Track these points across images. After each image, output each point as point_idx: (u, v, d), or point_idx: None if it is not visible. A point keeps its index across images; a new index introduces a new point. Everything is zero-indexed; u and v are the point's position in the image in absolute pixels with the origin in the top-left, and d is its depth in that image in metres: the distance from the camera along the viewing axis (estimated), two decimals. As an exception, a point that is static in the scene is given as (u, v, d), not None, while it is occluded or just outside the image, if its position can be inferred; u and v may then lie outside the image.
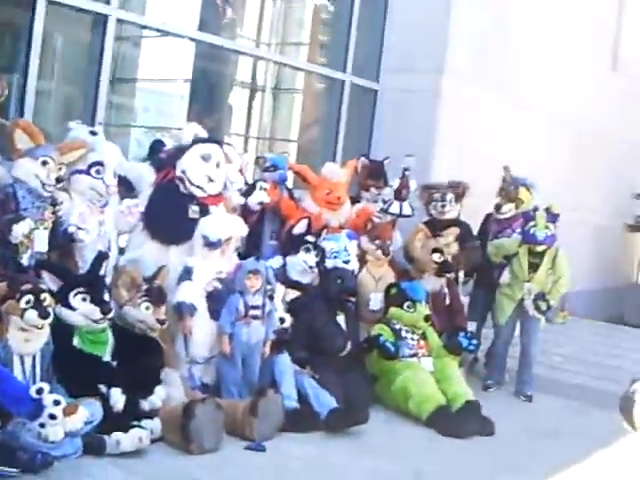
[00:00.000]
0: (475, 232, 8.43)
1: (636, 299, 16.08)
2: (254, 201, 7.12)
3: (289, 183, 7.98)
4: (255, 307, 6.05)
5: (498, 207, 8.28)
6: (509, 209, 8.25)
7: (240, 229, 6.47)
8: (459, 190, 8.20)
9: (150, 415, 5.24)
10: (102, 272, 5.41)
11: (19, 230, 5.17)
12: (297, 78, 10.87)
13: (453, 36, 9.69)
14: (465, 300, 8.18)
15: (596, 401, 7.70)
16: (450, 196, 8.14)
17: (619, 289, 15.76)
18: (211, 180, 6.39)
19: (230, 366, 6.04)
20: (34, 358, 4.93)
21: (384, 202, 8.01)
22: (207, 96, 9.97)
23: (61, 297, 5.13)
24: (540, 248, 7.64)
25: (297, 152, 10.60)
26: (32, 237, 5.36)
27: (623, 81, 14.24)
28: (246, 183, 7.19)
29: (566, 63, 12.06)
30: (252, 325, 6.03)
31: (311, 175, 7.74)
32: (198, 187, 6.36)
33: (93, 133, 6.15)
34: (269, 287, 6.16)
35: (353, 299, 7.08)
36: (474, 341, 7.18)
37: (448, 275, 7.70)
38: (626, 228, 16.15)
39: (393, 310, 7.03)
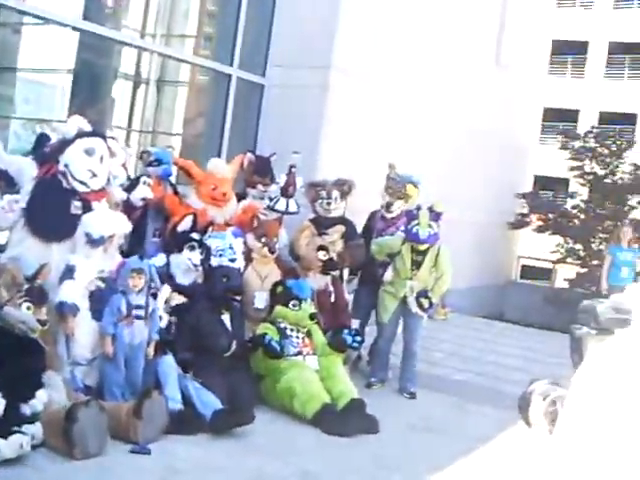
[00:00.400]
0: (360, 230, 8.46)
1: (515, 296, 16.54)
2: (137, 196, 7.00)
3: (173, 178, 7.86)
4: (138, 307, 5.94)
5: (388, 205, 8.34)
6: (398, 206, 8.31)
7: (123, 226, 6.34)
8: (345, 188, 8.23)
9: (31, 420, 5.08)
10: (-18, 272, 5.22)
11: None
12: (183, 71, 10.73)
13: (341, 32, 9.72)
14: (350, 298, 8.22)
15: (476, 397, 7.87)
16: (336, 194, 8.17)
17: (500, 286, 16.16)
18: (94, 175, 6.24)
19: (113, 367, 5.92)
20: None
21: (270, 199, 7.98)
22: (90, 88, 9.73)
23: (-63, 299, 4.93)
24: (423, 246, 7.73)
25: (182, 146, 10.46)
26: None
27: (505, 79, 14.57)
28: (129, 178, 7.05)
29: (451, 60, 12.25)
30: (135, 325, 5.92)
31: (196, 170, 7.62)
32: (81, 182, 6.21)
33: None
34: (153, 286, 6.05)
35: (239, 298, 7.02)
36: (358, 338, 7.22)
37: (333, 273, 7.72)
38: (507, 226, 16.57)
39: (278, 308, 7.01)
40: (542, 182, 23.36)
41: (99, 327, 5.95)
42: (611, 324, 1.73)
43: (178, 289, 6.55)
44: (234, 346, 6.53)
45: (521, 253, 19.18)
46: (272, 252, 7.48)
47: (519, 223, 16.99)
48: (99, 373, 6.02)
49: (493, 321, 13.47)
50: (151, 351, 6.02)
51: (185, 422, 5.82)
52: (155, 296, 6.13)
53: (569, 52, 31.21)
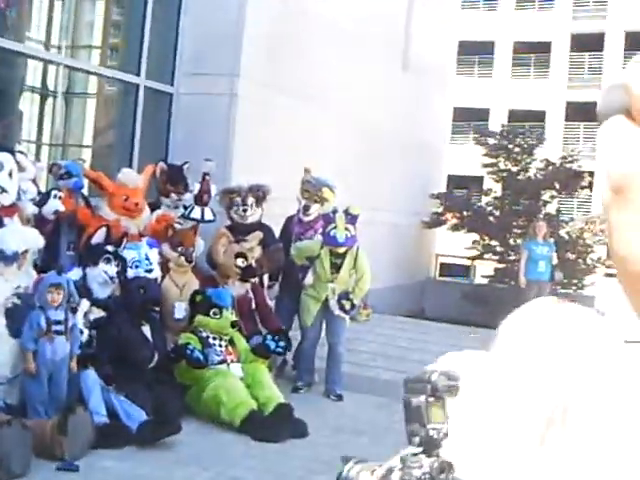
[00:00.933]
0: (277, 235, 8.45)
1: (435, 294, 16.72)
2: (49, 210, 6.89)
3: (85, 191, 7.73)
4: (57, 322, 5.83)
5: (306, 208, 8.35)
6: (315, 209, 8.32)
7: (36, 241, 6.23)
8: (259, 193, 8.21)
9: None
10: None
11: None
12: (90, 82, 10.57)
13: (247, 39, 9.69)
14: (272, 304, 8.20)
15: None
16: (251, 200, 8.14)
17: (419, 284, 16.30)
18: (4, 190, 6.13)
19: (36, 384, 5.81)
20: None
21: (185, 208, 7.91)
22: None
23: None
24: (341, 249, 7.75)
25: (92, 158, 10.30)
26: None
27: (414, 81, 14.71)
28: (39, 192, 6.92)
29: (359, 64, 12.32)
30: (56, 341, 5.82)
31: (107, 182, 7.51)
32: (-9, 198, 6.06)
33: None
34: (71, 300, 5.94)
35: (157, 308, 6.93)
36: (281, 343, 7.20)
37: (252, 280, 7.69)
38: (422, 225, 16.74)
39: (199, 318, 6.95)
40: (456, 181, 23.65)
41: (19, 344, 5.83)
42: (444, 391, 1.75)
43: (96, 302, 6.44)
44: (156, 357, 6.46)
45: (439, 251, 19.38)
46: (189, 261, 7.42)
47: (434, 222, 17.18)
48: (21, 391, 5.90)
49: (414, 319, 13.56)
50: (74, 365, 5.91)
51: (111, 435, 5.75)
52: (75, 310, 6.04)
53: (476, 52, 31.71)
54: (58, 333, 5.82)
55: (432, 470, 1.73)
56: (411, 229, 15.90)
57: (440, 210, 17.49)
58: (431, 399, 1.88)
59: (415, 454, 1.82)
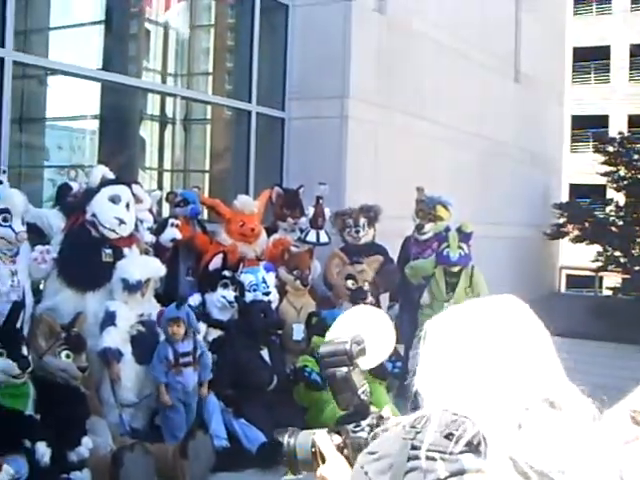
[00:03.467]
0: (396, 255, 8.46)
1: (561, 308, 16.33)
2: (166, 238, 7.05)
3: (202, 217, 7.93)
4: (185, 354, 5.97)
5: (420, 227, 8.34)
6: (430, 228, 8.31)
7: (158, 269, 6.38)
8: (371, 214, 8.25)
9: (79, 466, 5.13)
10: (19, 324, 5.28)
11: None
12: (205, 110, 10.83)
13: (355, 60, 9.75)
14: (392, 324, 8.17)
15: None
16: (363, 221, 8.19)
17: (544, 298, 16.00)
18: (122, 222, 6.28)
19: (173, 413, 5.95)
20: (-50, 419, 4.79)
21: (301, 231, 8.02)
22: (117, 131, 9.87)
23: (-23, 353, 5.00)
24: (455, 268, 7.71)
25: (210, 184, 10.54)
26: (-57, 292, 5.23)
27: (526, 92, 14.55)
28: (155, 221, 7.11)
29: (468, 78, 12.26)
30: (184, 373, 5.96)
31: (223, 208, 7.69)
32: (109, 229, 6.26)
33: (-3, 183, 6.04)
34: (192, 330, 6.08)
35: (280, 332, 7.03)
36: (398, 364, 7.17)
37: (359, 302, 7.64)
38: (544, 237, 16.44)
39: (316, 339, 6.99)
40: (578, 190, 23.19)
41: (151, 375, 6.01)
42: (357, 357, 1.81)
43: (215, 324, 6.57)
44: (275, 380, 6.53)
45: (565, 263, 19.01)
46: (305, 284, 7.50)
47: (556, 234, 16.85)
48: (151, 416, 6.08)
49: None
50: (204, 391, 6.04)
51: (232, 459, 5.84)
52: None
53: (591, 58, 31.07)
54: (186, 365, 5.96)
55: (373, 427, 1.82)
56: (533, 242, 15.66)
57: (561, 221, 17.16)
58: (351, 367, 1.96)
59: (357, 425, 1.91)
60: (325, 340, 2.08)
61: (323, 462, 1.99)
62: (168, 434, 5.96)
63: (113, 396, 5.92)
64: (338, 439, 2.00)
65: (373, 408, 2.02)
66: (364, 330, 2.07)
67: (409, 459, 1.54)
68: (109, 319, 5.96)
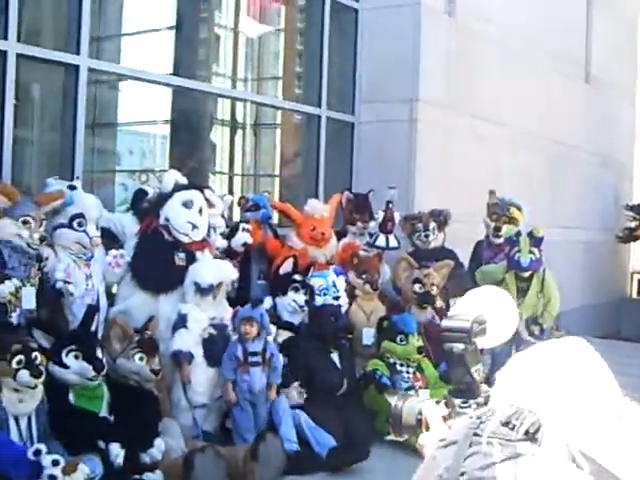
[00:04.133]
0: (466, 259, 8.41)
1: (631, 313, 16.03)
2: (237, 243, 7.11)
3: (273, 221, 7.98)
4: (254, 354, 6.01)
5: (497, 229, 8.27)
6: (506, 230, 8.24)
7: (230, 273, 6.44)
8: (441, 218, 8.22)
9: (151, 468, 5.20)
10: (93, 327, 5.37)
11: (5, 289, 5.14)
12: (274, 115, 10.89)
13: (425, 63, 9.72)
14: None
15: None
16: (433, 225, 8.17)
17: (614, 304, 15.76)
18: (195, 226, 6.35)
19: (241, 414, 6.00)
20: (29, 418, 4.88)
21: (370, 235, 8.02)
22: (188, 136, 9.98)
23: (53, 355, 5.08)
24: (526, 273, 7.64)
25: (280, 188, 10.60)
26: (19, 295, 5.32)
27: (597, 94, 14.35)
28: (227, 225, 7.18)
29: (537, 80, 12.13)
30: (252, 372, 5.99)
31: (294, 212, 7.73)
32: (182, 234, 6.33)
33: (72, 187, 6.15)
34: (266, 332, 6.12)
35: (350, 336, 7.05)
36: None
37: (426, 306, 7.62)
38: (616, 241, 16.18)
39: (386, 344, 6.99)
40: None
41: (218, 373, 6.07)
42: (477, 336, 1.84)
43: (285, 326, 6.61)
44: (345, 384, 6.54)
45: (637, 268, 18.65)
46: (374, 288, 7.50)
47: (628, 237, 16.56)
48: (222, 419, 6.14)
49: (610, 340, 13.07)
50: (272, 394, 6.06)
51: (301, 462, 5.84)
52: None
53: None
54: (254, 364, 6.00)
55: (480, 407, 1.86)
56: (604, 246, 15.41)
57: (633, 225, 16.85)
58: (469, 345, 1.99)
59: (465, 401, 1.94)
60: (448, 315, 2.13)
61: (427, 430, 2.07)
62: (236, 435, 6.01)
63: (185, 398, 5.99)
64: (445, 411, 2.04)
65: (484, 387, 2.07)
66: (488, 310, 2.10)
67: (471, 445, 1.63)
68: (181, 322, 6.03)
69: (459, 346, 1.96)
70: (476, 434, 1.64)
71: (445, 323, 2.05)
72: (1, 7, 6.73)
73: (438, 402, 2.13)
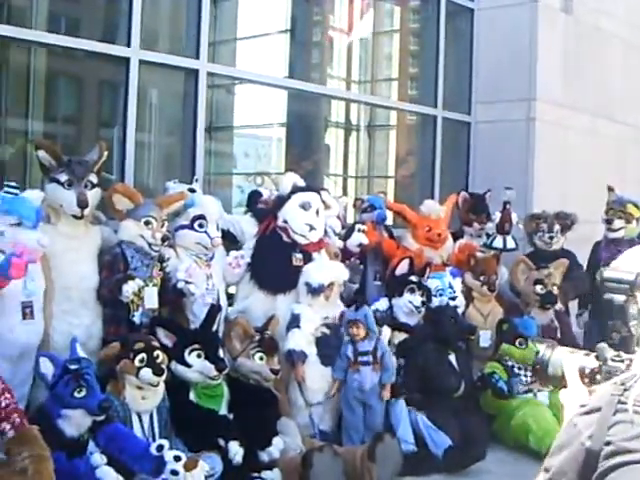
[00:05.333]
0: (585, 261, 8.24)
1: None
2: (353, 243, 7.13)
3: (388, 222, 7.97)
4: (364, 353, 6.03)
5: (609, 222, 8.08)
6: (620, 225, 8.04)
7: (342, 274, 6.46)
8: (567, 222, 8.07)
9: (269, 466, 5.25)
10: (215, 326, 5.46)
11: (128, 289, 5.25)
12: (389, 115, 10.88)
13: (542, 61, 9.57)
14: (581, 332, 8.00)
15: None
16: (557, 227, 8.02)
17: None
18: (312, 228, 6.40)
19: (350, 413, 6.03)
20: (151, 415, 5.00)
21: (488, 236, 7.93)
22: (303, 138, 10.07)
23: (176, 353, 5.20)
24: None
25: (395, 189, 10.58)
26: (142, 295, 5.45)
27: None
28: (343, 227, 7.21)
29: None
30: (362, 371, 6.01)
31: (410, 213, 7.69)
32: (300, 235, 6.39)
33: (191, 190, 6.27)
34: (372, 332, 6.12)
35: (472, 337, 6.99)
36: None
37: (549, 306, 7.50)
38: None
39: (504, 346, 6.90)
40: None
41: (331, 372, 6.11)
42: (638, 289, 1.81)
43: (402, 327, 6.60)
44: (463, 386, 6.49)
45: None
46: (492, 290, 7.42)
47: None
48: (334, 418, 6.18)
49: None
50: (386, 394, 6.04)
51: (418, 463, 5.84)
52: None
53: None
54: (364, 364, 6.02)
55: (631, 363, 1.79)
56: None
57: None
58: (630, 298, 1.93)
59: (618, 355, 1.87)
60: (611, 266, 2.10)
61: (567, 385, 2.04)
62: (344, 434, 6.05)
63: (302, 397, 6.05)
64: (594, 363, 2.00)
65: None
66: None
67: (615, 412, 1.59)
68: (294, 321, 6.10)
69: (620, 297, 1.93)
70: (621, 401, 1.59)
71: (607, 274, 2.01)
72: (124, 15, 6.92)
73: (588, 354, 2.09)
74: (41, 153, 5.38)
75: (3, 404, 4.12)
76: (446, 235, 7.68)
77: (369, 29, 10.78)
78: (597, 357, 2.02)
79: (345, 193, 9.81)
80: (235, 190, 9.42)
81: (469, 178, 9.87)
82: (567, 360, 2.01)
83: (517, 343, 6.83)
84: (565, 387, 2.05)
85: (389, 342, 6.39)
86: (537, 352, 2.13)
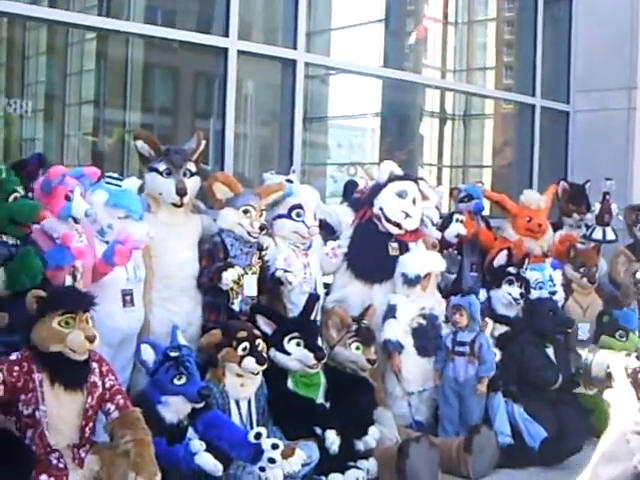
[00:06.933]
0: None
1: None
2: (451, 234, 7.08)
3: (485, 212, 7.90)
4: (462, 343, 5.99)
5: None
6: None
7: (438, 264, 6.41)
8: None
9: (365, 455, 5.25)
10: (313, 315, 5.48)
11: (228, 277, 5.30)
12: (486, 104, 10.76)
13: (643, 50, 9.36)
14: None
15: None
16: None
17: None
18: (408, 216, 6.36)
19: (444, 404, 6.01)
20: (249, 402, 5.04)
21: (587, 227, 7.80)
22: (397, 128, 10.03)
23: (275, 341, 5.23)
24: None
25: (492, 179, 10.48)
26: (241, 283, 5.50)
27: None
28: (441, 216, 7.16)
29: None
30: (456, 362, 5.99)
31: (510, 203, 7.60)
32: (395, 224, 6.36)
33: (289, 181, 6.30)
34: (474, 322, 6.06)
35: (569, 331, 6.88)
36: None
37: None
38: None
39: (604, 339, 6.77)
40: None
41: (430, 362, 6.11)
42: None
43: (501, 320, 6.53)
44: (560, 379, 6.39)
45: None
46: (592, 282, 7.29)
47: None
48: (430, 409, 6.15)
49: None
50: (482, 388, 5.96)
51: (515, 455, 5.79)
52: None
53: None
54: (460, 354, 5.99)
55: None
56: None
57: None
58: None
59: None
60: None
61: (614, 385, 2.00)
62: (440, 425, 6.03)
63: (398, 387, 6.04)
64: (636, 363, 1.97)
65: None
66: None
67: None
68: (390, 312, 6.08)
69: None
70: None
71: None
72: (222, 6, 6.97)
73: (629, 354, 2.04)
74: (139, 143, 5.48)
75: (107, 385, 4.21)
76: (546, 225, 7.57)
77: (465, 17, 10.68)
78: (638, 357, 1.97)
79: (440, 183, 9.74)
80: (329, 180, 9.45)
81: (567, 168, 9.72)
82: (612, 360, 1.97)
83: (617, 335, 6.70)
84: (609, 388, 2.01)
85: (490, 334, 6.32)
86: (580, 356, 2.09)
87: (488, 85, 10.83)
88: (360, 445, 5.27)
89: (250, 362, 4.87)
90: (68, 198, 4.67)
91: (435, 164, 10.49)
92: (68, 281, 4.57)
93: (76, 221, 4.70)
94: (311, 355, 5.21)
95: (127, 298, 5.11)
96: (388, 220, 6.34)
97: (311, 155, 9.04)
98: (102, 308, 4.39)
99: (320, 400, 5.39)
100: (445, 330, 6.20)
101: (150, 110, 8.13)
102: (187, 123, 8.25)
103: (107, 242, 4.97)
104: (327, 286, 6.43)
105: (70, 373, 4.05)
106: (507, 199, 7.66)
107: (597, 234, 7.68)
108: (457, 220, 7.13)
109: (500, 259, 6.76)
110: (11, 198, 4.49)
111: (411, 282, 6.13)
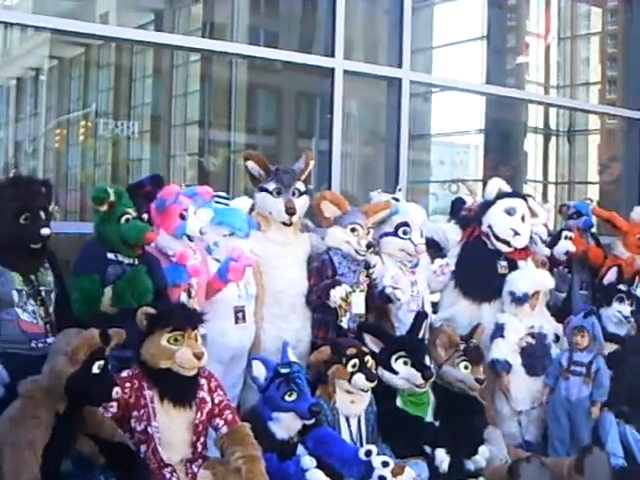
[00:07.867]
0: None
1: None
2: (560, 251, 6.99)
3: (594, 230, 7.78)
4: (578, 363, 5.89)
5: None
6: None
7: (547, 282, 6.32)
8: None
9: (475, 475, 5.20)
10: (421, 334, 5.47)
11: (336, 294, 5.35)
12: (590, 119, 10.60)
13: None
14: None
15: None
16: None
17: None
18: (517, 233, 6.31)
19: (555, 423, 5.92)
20: (359, 419, 5.05)
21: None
22: (501, 144, 9.97)
23: (383, 360, 5.23)
24: None
25: (599, 196, 10.30)
26: (349, 300, 5.53)
27: None
28: (550, 234, 7.08)
29: None
30: (570, 381, 5.88)
31: (620, 220, 7.44)
32: (504, 242, 6.32)
33: (395, 200, 6.31)
34: (596, 343, 5.95)
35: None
36: None
37: None
38: None
39: None
40: None
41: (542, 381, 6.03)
42: None
43: (611, 338, 6.41)
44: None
45: None
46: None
47: None
48: (542, 429, 6.07)
49: None
50: (596, 411, 5.85)
51: (628, 478, 5.65)
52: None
53: None
54: (575, 374, 5.88)
55: None
56: None
57: None
58: None
59: None
60: None
61: None
62: (550, 445, 5.93)
63: (507, 407, 5.99)
64: None
65: None
66: None
67: None
68: (498, 331, 6.03)
69: None
70: None
71: None
72: (325, 26, 7.05)
73: None
74: (250, 164, 5.60)
75: (216, 400, 4.29)
76: (658, 242, 7.40)
77: (566, 32, 10.57)
78: None
79: (545, 200, 9.63)
80: (431, 198, 9.45)
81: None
82: None
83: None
84: None
85: (600, 352, 6.21)
86: None
87: (592, 100, 10.68)
88: (470, 464, 5.23)
89: (360, 379, 4.89)
90: (182, 217, 4.79)
91: (540, 181, 10.39)
92: (183, 298, 4.67)
93: (190, 239, 4.81)
94: (419, 374, 5.20)
95: (239, 315, 5.21)
96: (497, 238, 6.31)
97: (414, 173, 9.05)
98: (214, 325, 4.48)
99: (429, 418, 5.37)
100: (555, 350, 6.11)
101: (254, 130, 8.26)
102: (291, 143, 8.35)
103: (216, 260, 5.07)
104: (434, 305, 6.42)
105: (179, 389, 4.15)
106: (617, 216, 7.51)
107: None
108: (566, 237, 7.04)
109: (610, 277, 6.65)
110: (123, 220, 4.60)
111: (519, 300, 6.07)
